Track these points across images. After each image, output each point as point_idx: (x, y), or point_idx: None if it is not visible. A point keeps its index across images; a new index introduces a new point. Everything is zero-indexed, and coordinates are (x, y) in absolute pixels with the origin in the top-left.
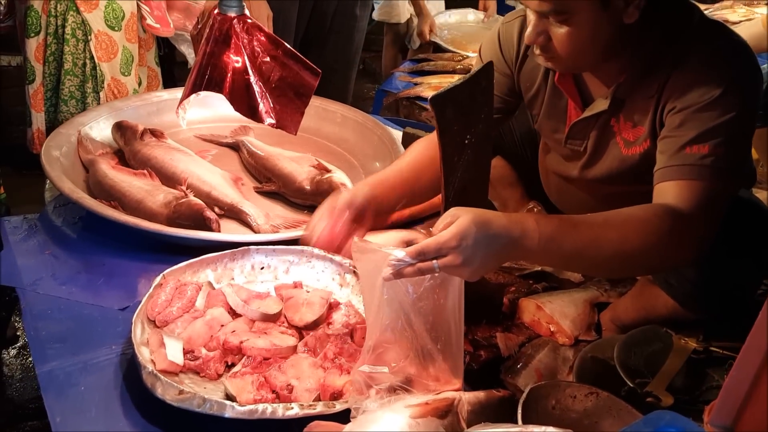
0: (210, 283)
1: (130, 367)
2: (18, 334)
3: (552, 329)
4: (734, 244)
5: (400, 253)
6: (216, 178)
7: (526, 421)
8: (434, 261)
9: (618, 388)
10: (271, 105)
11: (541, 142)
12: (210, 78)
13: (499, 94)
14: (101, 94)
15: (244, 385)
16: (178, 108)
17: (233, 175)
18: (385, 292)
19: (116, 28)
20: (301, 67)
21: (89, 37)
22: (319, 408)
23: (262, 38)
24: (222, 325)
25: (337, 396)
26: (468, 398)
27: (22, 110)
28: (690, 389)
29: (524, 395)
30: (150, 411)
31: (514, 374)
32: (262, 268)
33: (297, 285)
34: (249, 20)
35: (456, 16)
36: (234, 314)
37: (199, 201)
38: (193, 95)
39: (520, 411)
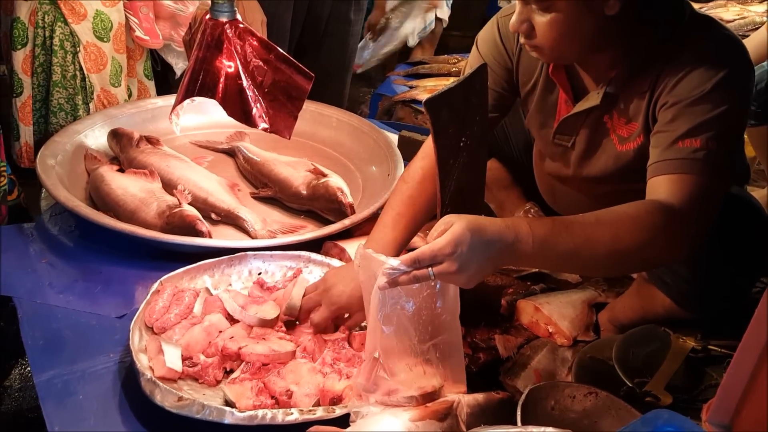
0: (207, 290)
1: (129, 374)
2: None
3: (550, 330)
4: (729, 243)
5: (395, 262)
6: (212, 184)
7: (525, 423)
8: (429, 269)
9: (617, 388)
10: (265, 109)
11: (535, 144)
12: (203, 83)
13: (496, 88)
14: (91, 105)
15: (243, 391)
16: (171, 114)
17: (229, 181)
18: (382, 300)
19: (105, 39)
20: (293, 71)
21: (78, 49)
22: (319, 413)
23: (254, 43)
24: (220, 331)
25: (336, 401)
26: (467, 400)
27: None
28: (689, 388)
29: (523, 396)
30: (149, 418)
31: (513, 376)
32: (260, 274)
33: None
34: (241, 25)
35: None
36: (232, 320)
37: (192, 212)
38: (187, 101)
39: (519, 412)
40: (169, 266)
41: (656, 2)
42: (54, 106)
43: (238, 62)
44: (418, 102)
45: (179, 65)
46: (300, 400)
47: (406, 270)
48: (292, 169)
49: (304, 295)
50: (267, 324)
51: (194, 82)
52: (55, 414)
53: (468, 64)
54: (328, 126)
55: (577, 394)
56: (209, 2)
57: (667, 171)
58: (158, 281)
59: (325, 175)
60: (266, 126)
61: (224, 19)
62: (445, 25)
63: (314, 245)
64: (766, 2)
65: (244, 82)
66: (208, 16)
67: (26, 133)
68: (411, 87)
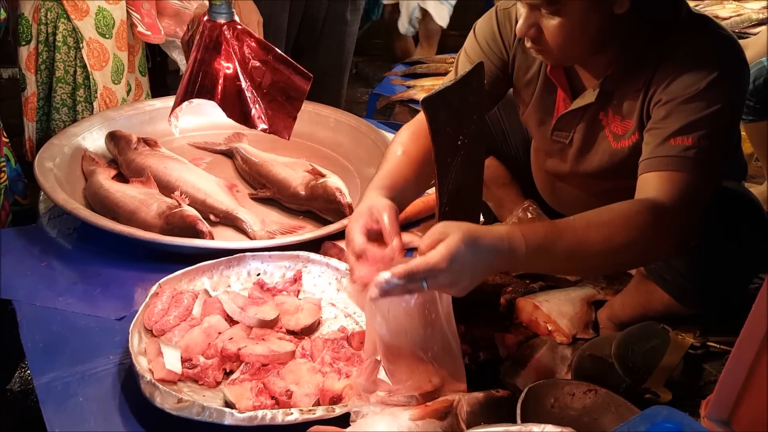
0: (206, 291)
1: (128, 376)
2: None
3: (549, 328)
4: (727, 238)
5: (386, 275)
6: (211, 185)
7: (525, 421)
8: (423, 282)
9: (616, 385)
10: (264, 110)
11: (533, 141)
12: (201, 85)
13: (490, 75)
14: (95, 104)
15: (243, 391)
16: (170, 116)
17: (228, 182)
18: (377, 306)
19: (107, 36)
20: (292, 72)
21: (81, 45)
22: (319, 412)
23: (253, 44)
24: (219, 333)
25: (336, 400)
26: (467, 399)
27: (15, 122)
28: (688, 385)
29: (523, 395)
30: (149, 420)
31: (512, 374)
32: (259, 275)
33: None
34: (239, 26)
35: None
36: (231, 321)
37: (192, 212)
38: (185, 103)
39: (519, 410)
40: (168, 268)
41: (657, 0)
42: (57, 102)
43: (237, 63)
44: (416, 102)
45: (183, 62)
46: (300, 400)
47: (398, 283)
48: (291, 169)
49: None
50: (266, 325)
51: (193, 83)
52: (55, 416)
53: (463, 49)
54: (326, 126)
55: (577, 391)
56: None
57: (657, 168)
58: (157, 283)
59: (323, 176)
60: (265, 127)
61: (222, 21)
62: (444, 26)
63: (313, 245)
64: None
65: (243, 83)
66: (206, 18)
67: (30, 128)
68: (409, 87)
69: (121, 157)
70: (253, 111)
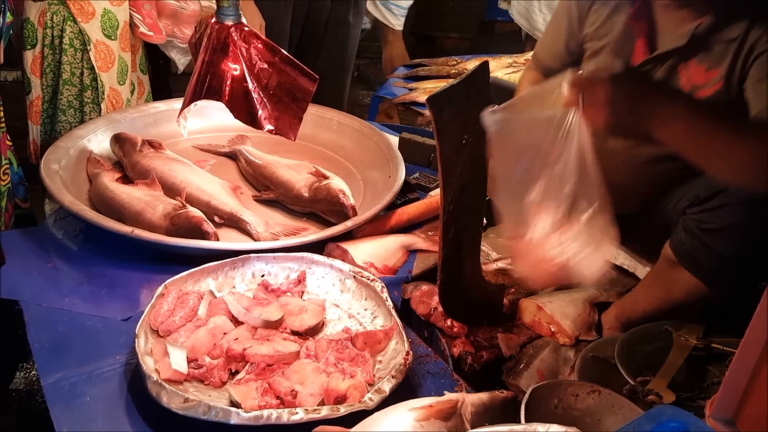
0: (211, 292)
1: (135, 376)
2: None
3: (553, 329)
4: None
5: None
6: (215, 187)
7: (529, 421)
8: None
9: (620, 387)
10: (270, 111)
11: None
12: (209, 86)
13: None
14: (102, 105)
15: (248, 391)
16: (179, 117)
17: (232, 184)
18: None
19: (113, 38)
20: (298, 73)
21: (88, 47)
22: (324, 412)
23: (260, 45)
24: (225, 333)
25: (340, 400)
26: (471, 400)
27: (19, 125)
28: (691, 386)
29: (526, 396)
30: (156, 420)
31: (515, 375)
32: (263, 276)
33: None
34: (246, 28)
35: None
36: (236, 322)
37: (197, 213)
38: (193, 104)
39: (522, 411)
40: (173, 269)
41: None
42: (63, 104)
43: (244, 65)
44: (418, 104)
45: (182, 61)
46: (305, 399)
47: None
48: (294, 171)
49: None
50: (271, 325)
51: (201, 85)
52: (63, 416)
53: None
54: (329, 129)
55: (580, 392)
56: (214, 5)
57: None
58: (163, 285)
59: (326, 178)
60: (272, 128)
61: (230, 23)
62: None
63: (317, 247)
64: None
65: (250, 85)
66: (213, 20)
67: (34, 131)
68: (411, 89)
69: (126, 159)
70: (260, 112)
